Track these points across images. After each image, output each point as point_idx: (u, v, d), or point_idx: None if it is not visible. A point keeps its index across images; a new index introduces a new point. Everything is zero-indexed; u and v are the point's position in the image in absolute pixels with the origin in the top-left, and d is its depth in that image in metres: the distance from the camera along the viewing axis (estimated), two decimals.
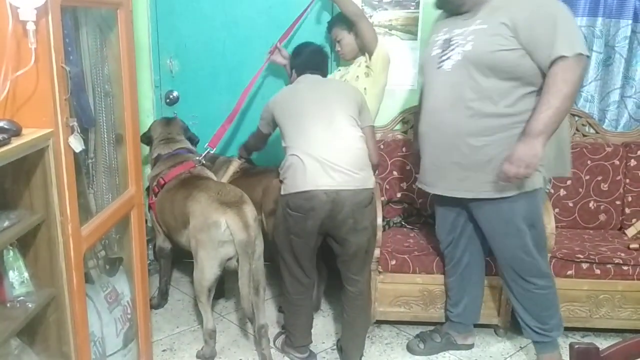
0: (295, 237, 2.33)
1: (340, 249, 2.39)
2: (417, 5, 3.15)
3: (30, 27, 1.47)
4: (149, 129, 3.06)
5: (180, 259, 3.23)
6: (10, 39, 1.48)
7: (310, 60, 2.59)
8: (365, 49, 2.85)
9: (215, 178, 2.89)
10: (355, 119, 2.37)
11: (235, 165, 3.01)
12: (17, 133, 1.49)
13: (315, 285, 2.66)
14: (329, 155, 2.23)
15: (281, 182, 2.35)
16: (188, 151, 2.99)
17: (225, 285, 3.12)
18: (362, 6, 3.11)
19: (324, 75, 2.62)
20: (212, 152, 3.00)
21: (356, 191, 2.25)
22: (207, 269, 2.46)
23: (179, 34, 3.28)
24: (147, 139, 3.01)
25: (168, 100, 3.37)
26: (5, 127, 1.47)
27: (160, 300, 3.09)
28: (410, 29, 3.18)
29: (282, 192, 2.33)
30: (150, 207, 2.88)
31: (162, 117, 3.19)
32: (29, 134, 1.52)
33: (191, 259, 2.56)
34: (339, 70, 3.07)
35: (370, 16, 3.11)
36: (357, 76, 2.86)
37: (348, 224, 2.28)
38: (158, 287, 3.10)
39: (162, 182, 2.79)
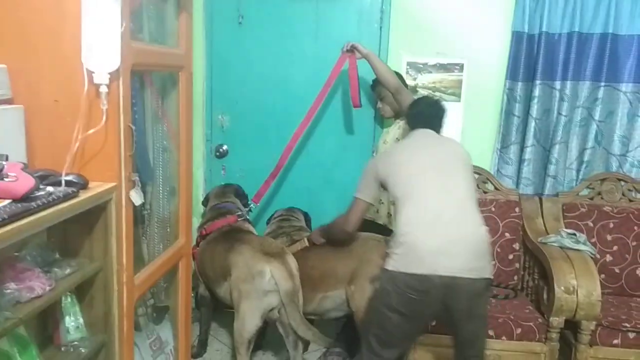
0: (395, 315, 2.08)
1: (452, 332, 2.23)
2: (461, 69, 3.23)
3: (103, 89, 1.60)
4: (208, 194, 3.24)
5: (220, 309, 3.27)
6: (84, 100, 1.61)
7: (425, 112, 2.37)
8: (404, 115, 2.76)
9: (255, 232, 2.94)
10: (474, 192, 2.19)
11: (302, 244, 2.80)
12: (84, 186, 1.60)
13: None
14: (449, 239, 2.03)
15: (387, 254, 2.13)
16: (234, 206, 3.08)
17: (264, 339, 3.13)
18: (406, 69, 3.22)
19: (439, 131, 2.38)
20: (254, 207, 3.07)
21: (474, 280, 2.03)
22: (249, 320, 2.50)
23: (231, 91, 3.44)
24: (206, 200, 3.20)
25: (218, 154, 3.51)
26: (74, 180, 1.58)
27: (200, 349, 3.11)
28: (454, 92, 3.26)
29: (388, 267, 2.08)
30: (193, 256, 2.95)
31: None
32: (95, 187, 1.63)
33: (232, 308, 2.60)
34: (384, 131, 3.14)
35: (415, 78, 3.22)
36: (397, 138, 2.90)
37: (462, 311, 2.08)
38: (198, 335, 3.14)
39: (204, 232, 2.88)
